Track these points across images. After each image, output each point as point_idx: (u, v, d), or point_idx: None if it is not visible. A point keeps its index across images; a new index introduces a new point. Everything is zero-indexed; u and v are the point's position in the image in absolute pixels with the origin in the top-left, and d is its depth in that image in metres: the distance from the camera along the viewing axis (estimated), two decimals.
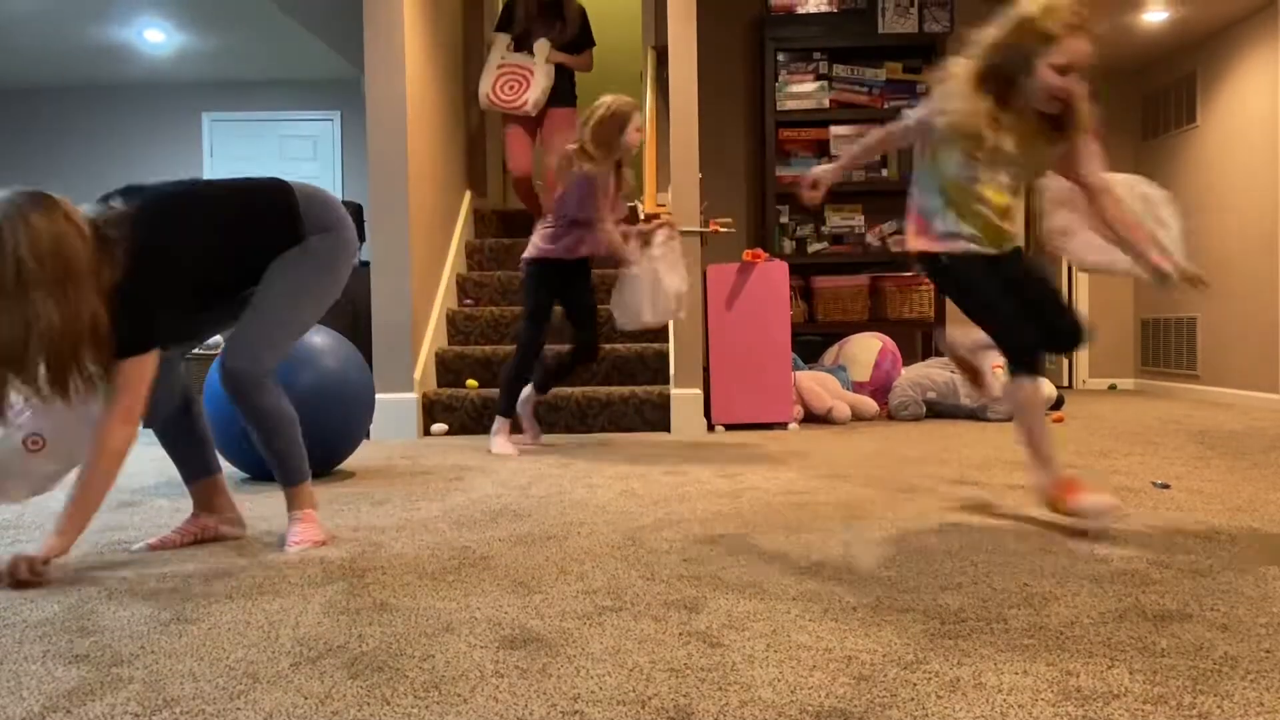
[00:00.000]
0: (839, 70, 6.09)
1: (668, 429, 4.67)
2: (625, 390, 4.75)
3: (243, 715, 1.31)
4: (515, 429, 4.17)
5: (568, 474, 3.37)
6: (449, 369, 5.02)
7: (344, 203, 6.63)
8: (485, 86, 5.33)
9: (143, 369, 2.06)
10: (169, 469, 2.83)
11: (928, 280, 2.83)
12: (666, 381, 4.83)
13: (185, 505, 2.49)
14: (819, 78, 6.09)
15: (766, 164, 6.08)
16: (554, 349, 4.32)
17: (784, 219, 6.18)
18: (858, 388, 5.36)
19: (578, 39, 5.41)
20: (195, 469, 2.41)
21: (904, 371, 5.41)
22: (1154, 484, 2.97)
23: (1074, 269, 7.22)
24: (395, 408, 4.59)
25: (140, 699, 1.36)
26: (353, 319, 5.86)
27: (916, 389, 5.22)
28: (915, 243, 2.52)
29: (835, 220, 6.19)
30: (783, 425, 4.79)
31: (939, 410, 5.22)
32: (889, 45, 6.07)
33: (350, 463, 3.66)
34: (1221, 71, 6.29)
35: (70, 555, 2.11)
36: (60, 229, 1.91)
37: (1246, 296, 5.92)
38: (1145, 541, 2.24)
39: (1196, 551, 2.14)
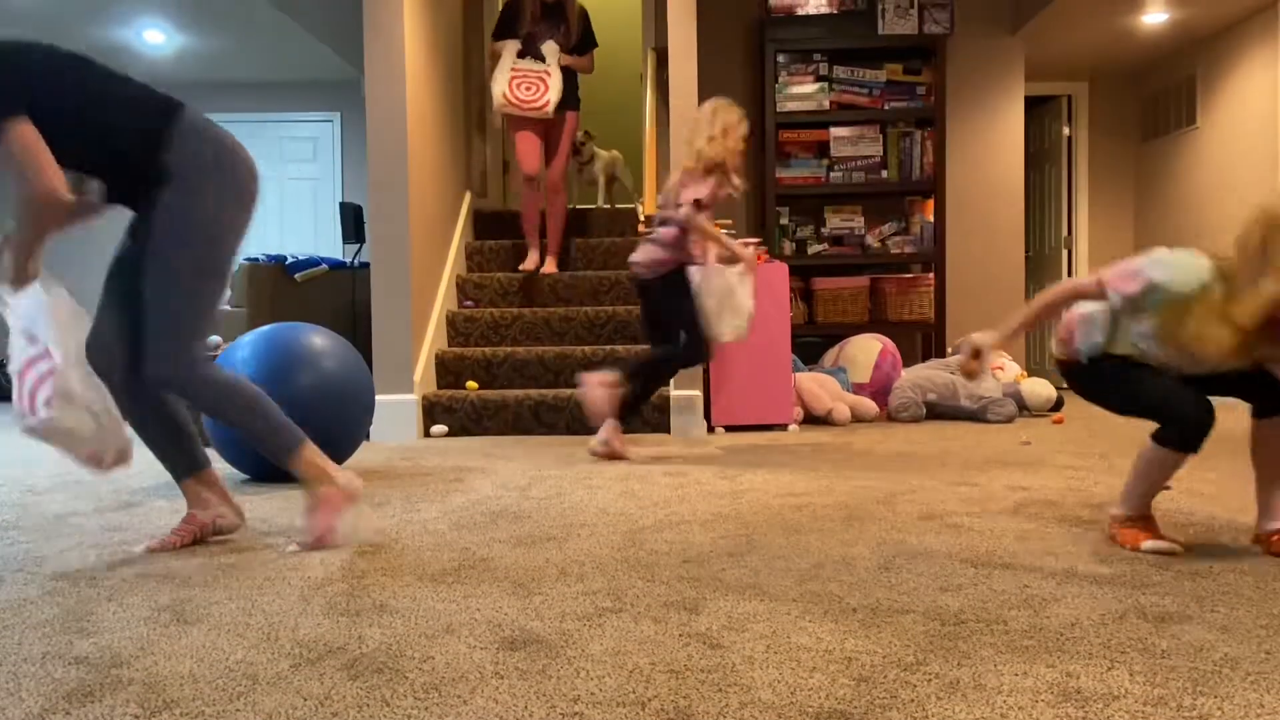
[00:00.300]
0: (839, 72, 6.10)
1: (668, 430, 4.67)
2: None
3: (242, 716, 1.31)
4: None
5: (568, 475, 3.37)
6: (449, 370, 5.02)
7: (344, 204, 6.68)
8: (500, 90, 5.30)
9: (22, 137, 2.03)
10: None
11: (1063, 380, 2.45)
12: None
13: (184, 506, 2.48)
14: (819, 79, 6.09)
15: (767, 165, 6.08)
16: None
17: (784, 220, 6.18)
18: (858, 389, 5.36)
19: (581, 41, 5.41)
20: (182, 466, 2.38)
21: (904, 373, 5.41)
22: None
23: None
24: (395, 409, 4.59)
25: (140, 700, 1.36)
26: (353, 320, 5.88)
27: (916, 390, 5.22)
28: (1060, 351, 2.28)
29: (835, 222, 6.19)
30: (783, 427, 4.79)
31: (939, 412, 5.23)
32: (889, 47, 6.07)
33: (350, 464, 3.65)
34: (1221, 73, 6.30)
35: (70, 556, 2.09)
36: None
37: None
38: None
39: (1196, 552, 2.15)
